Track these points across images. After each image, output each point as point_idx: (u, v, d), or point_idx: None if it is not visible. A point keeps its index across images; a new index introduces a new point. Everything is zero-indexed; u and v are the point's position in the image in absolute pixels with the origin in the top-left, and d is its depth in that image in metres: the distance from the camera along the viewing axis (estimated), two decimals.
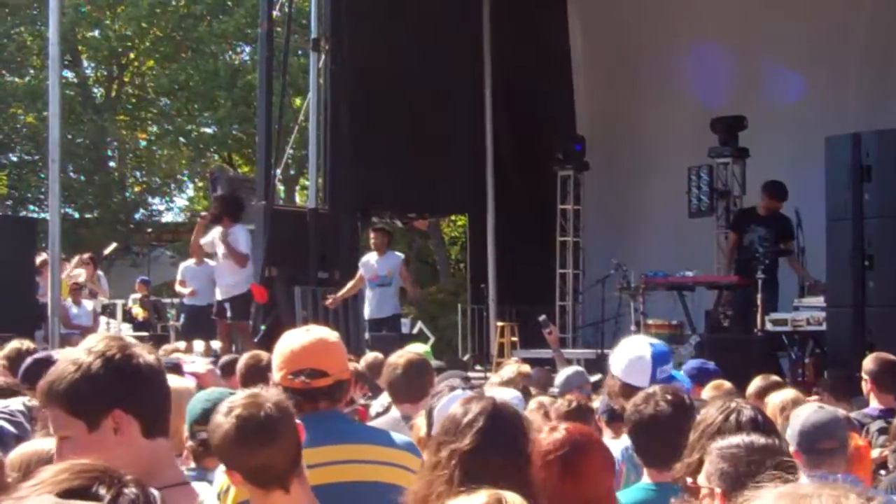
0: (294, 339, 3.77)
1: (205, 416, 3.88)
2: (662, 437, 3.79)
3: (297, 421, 3.05)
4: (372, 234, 13.64)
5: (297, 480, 3.01)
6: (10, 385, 5.24)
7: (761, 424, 3.46)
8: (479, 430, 3.01)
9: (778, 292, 12.12)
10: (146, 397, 2.66)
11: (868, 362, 7.05)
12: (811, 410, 4.59)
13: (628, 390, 4.50)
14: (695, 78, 15.24)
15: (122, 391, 2.61)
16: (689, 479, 3.19)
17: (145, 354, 2.68)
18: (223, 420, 3.02)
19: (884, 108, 12.93)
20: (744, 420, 3.46)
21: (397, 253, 13.93)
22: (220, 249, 12.42)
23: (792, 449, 4.36)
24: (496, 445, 3.00)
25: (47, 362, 6.19)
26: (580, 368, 8.35)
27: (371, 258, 13.26)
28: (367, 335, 13.19)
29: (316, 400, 3.67)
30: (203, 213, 12.72)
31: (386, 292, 13.17)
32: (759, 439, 3.14)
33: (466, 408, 3.09)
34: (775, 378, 6.90)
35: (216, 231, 12.53)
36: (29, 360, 5.89)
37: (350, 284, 13.19)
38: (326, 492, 3.37)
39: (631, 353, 4.75)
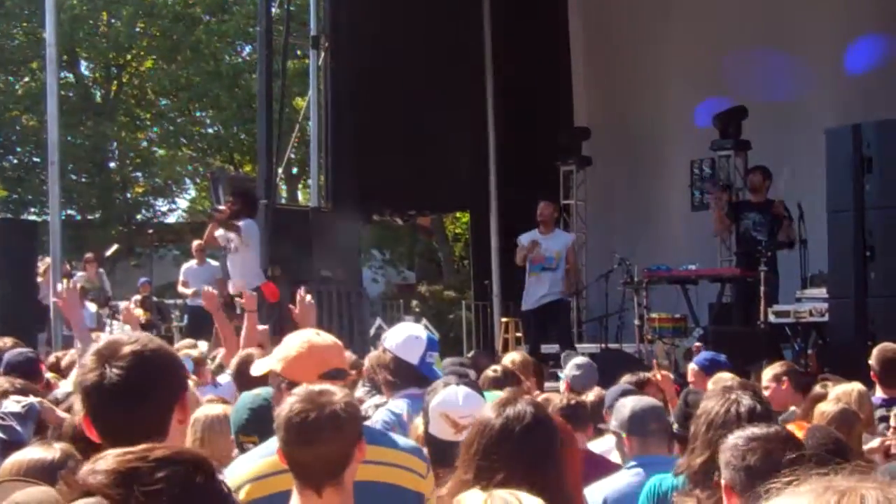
0: (317, 340, 3.80)
1: (251, 424, 3.93)
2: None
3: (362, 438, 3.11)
4: (541, 206, 13.18)
5: (333, 490, 3.03)
6: (24, 386, 5.23)
7: (760, 413, 3.47)
8: (519, 434, 3.03)
9: (778, 284, 12.12)
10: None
11: (873, 357, 7.13)
12: (635, 400, 5.27)
13: (398, 363, 4.88)
14: (698, 68, 15.21)
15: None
16: (714, 477, 3.20)
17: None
18: (286, 402, 3.11)
19: (884, 98, 12.91)
20: (742, 410, 3.47)
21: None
22: (234, 242, 12.33)
23: (623, 436, 5.05)
24: (534, 450, 3.03)
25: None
26: (592, 363, 8.31)
27: (533, 235, 13.04)
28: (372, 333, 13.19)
29: None
30: (221, 208, 12.52)
31: (554, 277, 12.99)
32: (759, 429, 3.15)
33: (500, 412, 3.10)
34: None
35: (224, 235, 12.49)
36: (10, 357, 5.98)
37: None
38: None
39: (410, 332, 5.07)
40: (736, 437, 3.14)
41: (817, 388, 6.51)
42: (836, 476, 1.56)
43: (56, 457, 3.33)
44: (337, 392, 3.13)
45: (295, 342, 3.79)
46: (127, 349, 2.62)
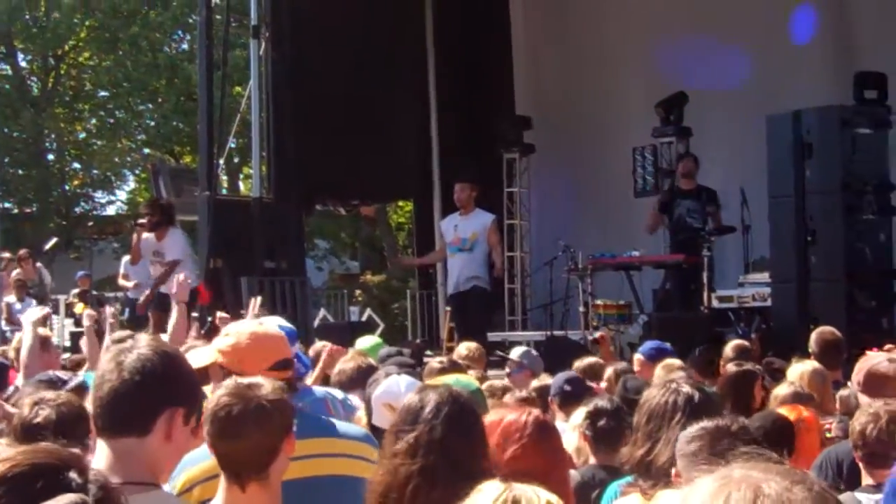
0: (260, 330, 3.75)
1: None
2: None
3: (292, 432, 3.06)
4: (456, 188, 12.99)
5: (257, 486, 2.98)
6: None
7: (699, 402, 3.49)
8: (440, 415, 2.99)
9: (714, 269, 12.25)
10: None
11: (811, 342, 7.22)
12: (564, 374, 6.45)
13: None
14: (639, 55, 15.26)
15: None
16: (673, 472, 3.20)
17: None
18: (213, 395, 3.06)
19: (824, 84, 13.03)
20: (681, 401, 3.48)
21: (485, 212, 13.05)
22: (165, 256, 12.41)
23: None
24: (458, 429, 2.99)
25: None
26: (535, 352, 8.36)
27: (453, 219, 12.85)
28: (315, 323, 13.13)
29: (290, 391, 3.65)
30: (140, 221, 12.57)
31: (470, 258, 12.67)
32: (709, 422, 3.18)
33: (423, 395, 3.07)
34: None
35: (150, 240, 12.38)
36: None
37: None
38: (295, 487, 3.37)
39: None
40: (689, 430, 3.16)
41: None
42: (740, 466, 1.62)
43: None
44: (266, 385, 3.08)
45: (238, 333, 3.72)
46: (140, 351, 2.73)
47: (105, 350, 3.91)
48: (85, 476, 1.74)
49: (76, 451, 1.90)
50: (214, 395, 3.08)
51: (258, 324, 3.87)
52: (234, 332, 3.75)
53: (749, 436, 3.21)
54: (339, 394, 5.15)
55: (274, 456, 3.01)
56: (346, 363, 5.88)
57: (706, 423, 3.18)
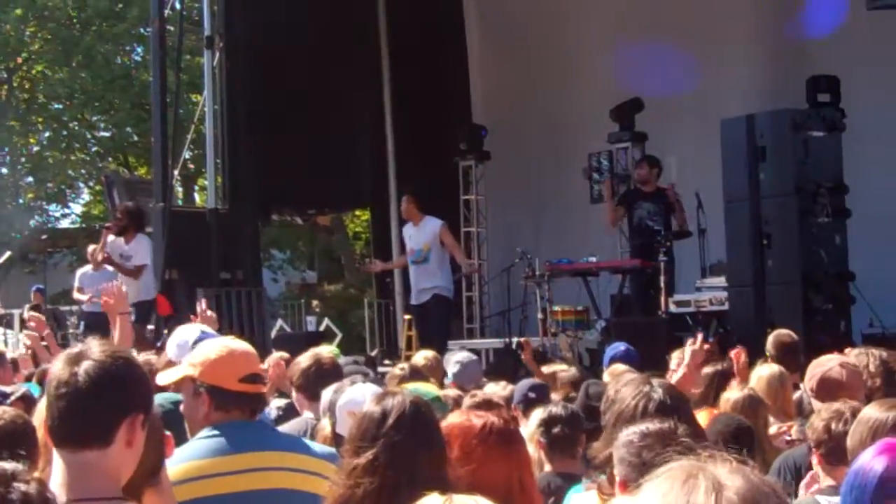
0: (232, 345, 3.79)
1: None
2: None
3: (167, 433, 3.00)
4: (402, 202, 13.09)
5: (152, 492, 2.93)
6: None
7: (670, 407, 3.46)
8: (401, 427, 2.96)
9: (675, 273, 12.28)
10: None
11: (768, 345, 7.23)
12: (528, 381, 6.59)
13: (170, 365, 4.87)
14: (594, 62, 15.30)
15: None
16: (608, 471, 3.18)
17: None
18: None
19: (777, 88, 13.12)
20: (651, 406, 3.45)
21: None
22: (134, 261, 12.41)
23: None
24: (418, 440, 2.96)
25: None
26: (475, 357, 8.32)
27: (407, 230, 12.91)
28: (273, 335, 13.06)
29: (258, 405, 3.75)
30: (108, 224, 12.67)
31: (425, 269, 12.70)
32: (653, 425, 3.14)
33: (383, 405, 3.03)
34: None
35: (118, 242, 12.47)
36: None
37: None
38: (241, 499, 3.45)
39: (181, 338, 5.04)
40: (630, 434, 3.12)
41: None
42: (688, 462, 1.67)
43: None
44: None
45: (213, 347, 3.77)
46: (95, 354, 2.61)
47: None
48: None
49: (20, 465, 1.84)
50: None
51: (231, 338, 3.91)
52: (206, 347, 3.80)
53: (703, 439, 3.18)
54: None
55: (162, 456, 3.02)
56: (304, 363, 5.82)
57: (652, 428, 3.12)
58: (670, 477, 1.62)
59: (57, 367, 2.64)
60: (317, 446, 3.86)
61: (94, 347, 2.64)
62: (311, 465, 3.65)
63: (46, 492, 1.73)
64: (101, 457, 2.55)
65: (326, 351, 7.41)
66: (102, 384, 2.57)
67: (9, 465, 1.75)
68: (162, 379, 3.80)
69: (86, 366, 2.58)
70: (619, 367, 6.81)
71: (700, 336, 4.95)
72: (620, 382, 3.72)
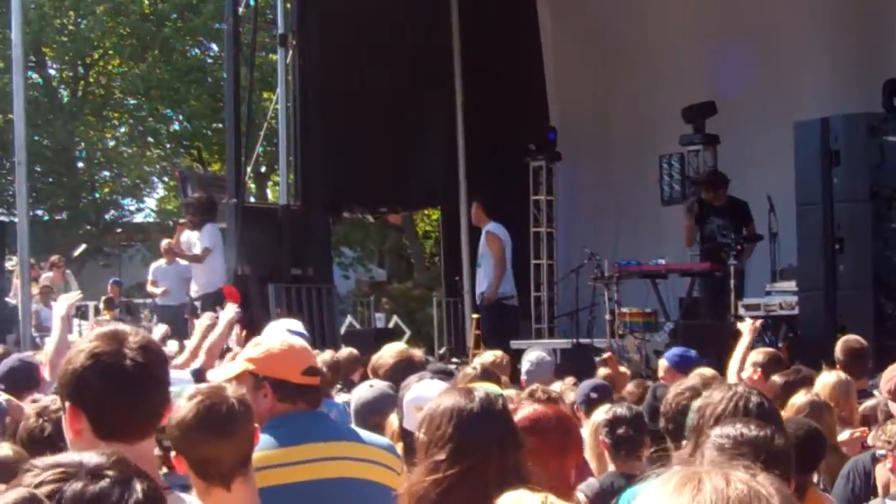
0: (290, 340, 3.93)
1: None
2: None
3: (255, 425, 3.12)
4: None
5: (241, 480, 3.01)
6: None
7: (768, 412, 3.41)
8: (469, 422, 2.98)
9: (745, 278, 12.18)
10: (92, 393, 2.50)
11: (837, 351, 7.17)
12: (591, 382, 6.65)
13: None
14: (669, 64, 15.22)
15: (71, 386, 2.53)
16: None
17: (121, 348, 2.53)
18: (185, 404, 3.07)
19: (853, 92, 12.96)
20: (752, 406, 3.40)
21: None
22: (197, 250, 12.52)
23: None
24: (493, 435, 2.99)
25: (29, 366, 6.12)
26: (548, 357, 8.33)
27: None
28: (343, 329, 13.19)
29: (320, 397, 3.85)
30: (182, 221, 12.96)
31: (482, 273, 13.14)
32: (750, 431, 3.10)
33: (456, 401, 3.06)
34: None
35: (190, 235, 12.70)
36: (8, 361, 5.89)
37: None
38: (312, 487, 3.53)
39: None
40: (722, 438, 3.08)
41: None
42: (693, 466, 1.68)
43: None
44: (227, 387, 3.20)
45: (273, 343, 3.85)
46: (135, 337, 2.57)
47: None
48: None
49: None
50: (185, 403, 3.08)
51: (287, 332, 4.02)
52: (265, 342, 3.88)
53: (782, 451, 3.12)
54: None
55: (254, 446, 3.10)
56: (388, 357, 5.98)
57: (741, 431, 3.08)
58: (673, 480, 1.63)
59: (94, 360, 2.56)
60: (375, 437, 3.94)
61: (131, 336, 2.58)
62: (374, 455, 3.74)
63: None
64: (147, 447, 2.57)
65: (397, 347, 7.50)
66: (153, 377, 2.57)
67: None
68: (218, 374, 3.87)
69: (133, 357, 2.53)
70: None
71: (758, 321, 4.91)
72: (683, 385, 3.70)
